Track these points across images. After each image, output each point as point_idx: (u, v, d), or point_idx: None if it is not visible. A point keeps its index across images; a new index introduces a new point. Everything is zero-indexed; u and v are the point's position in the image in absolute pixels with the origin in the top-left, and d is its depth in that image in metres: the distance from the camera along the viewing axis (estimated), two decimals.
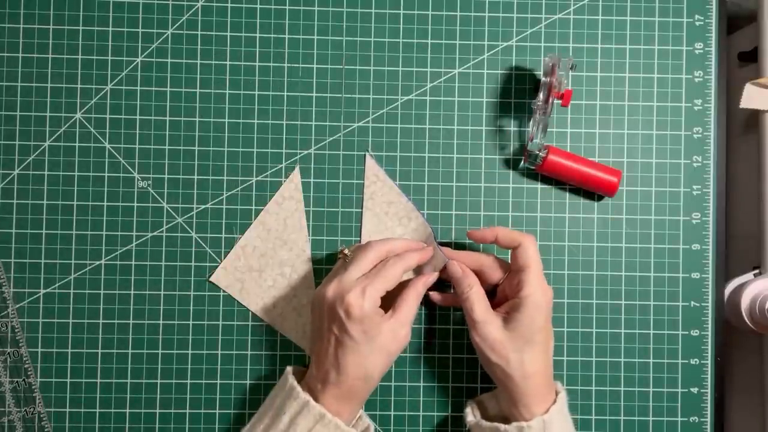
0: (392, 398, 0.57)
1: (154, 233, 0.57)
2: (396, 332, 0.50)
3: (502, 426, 0.50)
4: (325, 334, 0.50)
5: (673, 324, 0.57)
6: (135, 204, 0.57)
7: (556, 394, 0.52)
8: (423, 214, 0.57)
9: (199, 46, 0.57)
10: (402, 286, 0.52)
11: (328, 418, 0.48)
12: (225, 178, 0.57)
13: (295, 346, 0.57)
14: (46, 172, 0.56)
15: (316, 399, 0.49)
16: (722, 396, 0.57)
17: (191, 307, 0.57)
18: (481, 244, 0.57)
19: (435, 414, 0.57)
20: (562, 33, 0.58)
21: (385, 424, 0.57)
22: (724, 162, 0.58)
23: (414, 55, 0.58)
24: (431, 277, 0.53)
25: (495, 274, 0.53)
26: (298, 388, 0.49)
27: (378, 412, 0.57)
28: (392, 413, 0.57)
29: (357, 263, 0.50)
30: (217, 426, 0.57)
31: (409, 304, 0.51)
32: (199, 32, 0.57)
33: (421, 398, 0.57)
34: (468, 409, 0.54)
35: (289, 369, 0.52)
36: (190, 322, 0.57)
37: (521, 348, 0.50)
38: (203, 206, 0.57)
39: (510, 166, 0.58)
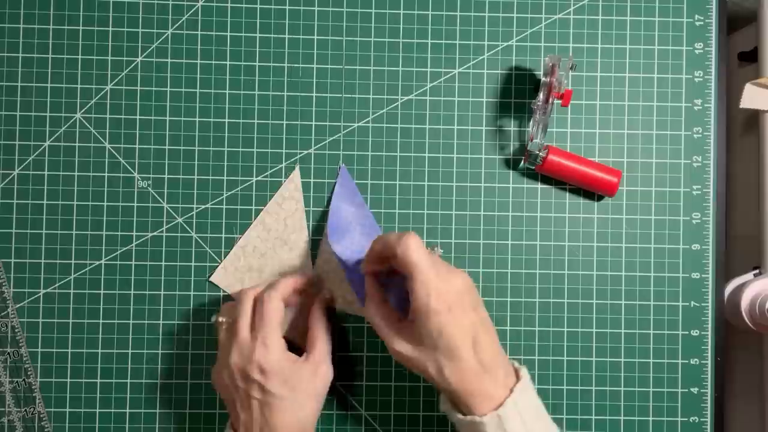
0: (392, 398, 0.57)
1: (154, 233, 0.57)
2: (316, 372, 0.50)
3: (477, 418, 0.46)
4: (245, 403, 0.49)
5: (673, 324, 0.57)
6: (135, 204, 0.57)
7: (517, 377, 0.48)
8: (379, 228, 0.57)
9: (199, 46, 0.57)
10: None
11: None
12: (225, 178, 0.57)
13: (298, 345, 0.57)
14: (46, 172, 0.56)
15: None
16: (722, 396, 0.57)
17: (191, 307, 0.57)
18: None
19: (435, 414, 0.57)
20: (562, 33, 0.58)
21: (385, 424, 0.57)
22: (724, 162, 0.58)
23: (414, 55, 0.58)
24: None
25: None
26: None
27: (378, 412, 0.57)
28: (392, 413, 0.57)
29: (237, 322, 0.50)
30: (217, 426, 0.57)
31: (320, 338, 0.51)
32: (199, 32, 0.57)
33: (421, 398, 0.57)
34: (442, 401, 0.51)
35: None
36: (190, 322, 0.57)
37: (435, 358, 0.46)
38: (203, 206, 0.57)
39: (510, 166, 0.58)
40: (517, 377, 0.48)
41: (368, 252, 0.50)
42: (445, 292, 0.45)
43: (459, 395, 0.46)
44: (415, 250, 0.46)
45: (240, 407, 0.49)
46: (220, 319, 0.52)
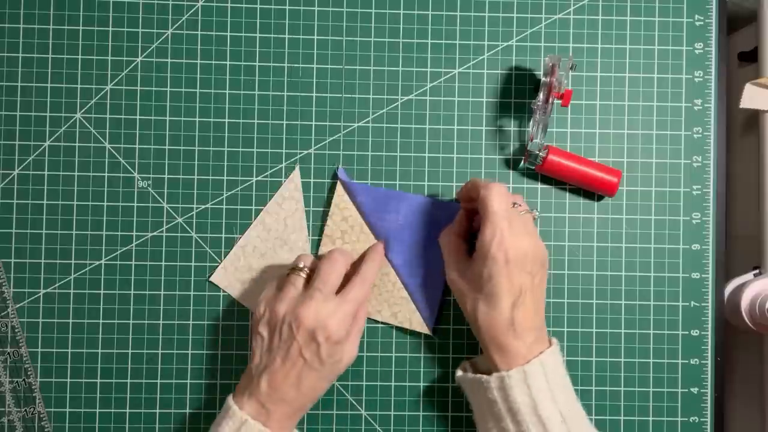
0: (392, 398, 0.57)
1: (154, 233, 0.57)
2: (351, 356, 0.51)
3: (483, 377, 0.49)
4: (289, 356, 0.49)
5: (673, 324, 0.57)
6: (135, 204, 0.57)
7: (551, 344, 0.50)
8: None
9: (199, 46, 0.57)
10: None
11: None
12: (225, 178, 0.57)
13: None
14: (46, 172, 0.56)
15: (267, 415, 0.49)
16: (722, 396, 0.57)
17: (191, 307, 0.57)
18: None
19: (435, 414, 0.57)
20: (562, 33, 0.58)
21: (385, 424, 0.57)
22: (724, 162, 0.58)
23: (414, 55, 0.58)
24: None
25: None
26: (234, 407, 0.49)
27: (378, 412, 0.57)
28: (392, 413, 0.57)
29: (326, 285, 0.51)
30: None
31: (360, 325, 0.53)
32: (199, 32, 0.57)
33: (421, 398, 0.57)
34: (459, 366, 0.54)
35: (229, 396, 0.51)
36: (190, 322, 0.57)
37: (475, 297, 0.50)
38: (203, 206, 0.57)
39: (510, 166, 0.58)
40: (550, 344, 0.50)
41: (461, 188, 0.54)
42: (510, 245, 0.48)
43: (486, 344, 0.49)
44: (495, 197, 0.49)
45: (279, 356, 0.49)
46: (302, 264, 0.52)
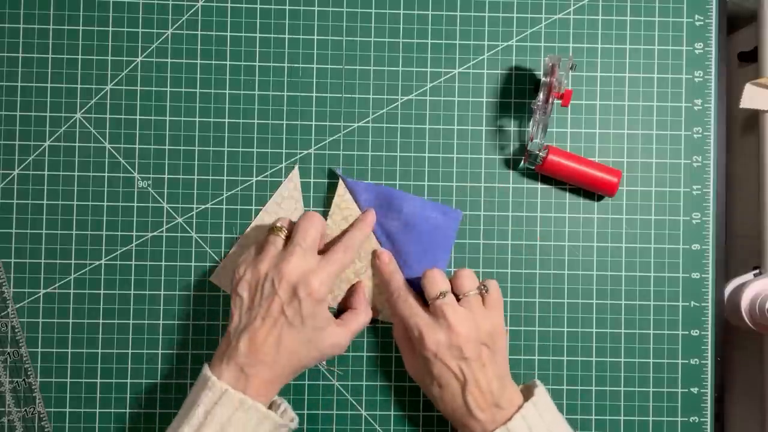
0: (392, 398, 0.57)
1: (154, 233, 0.57)
2: (338, 338, 0.51)
3: None
4: (269, 313, 0.48)
5: (673, 324, 0.57)
6: (135, 204, 0.57)
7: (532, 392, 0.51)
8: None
9: (199, 46, 0.57)
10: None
11: (248, 403, 0.47)
12: (225, 178, 0.57)
13: None
14: (46, 172, 0.57)
15: (246, 381, 0.48)
16: (722, 396, 0.57)
17: (191, 307, 0.57)
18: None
19: (435, 414, 0.57)
20: (562, 33, 0.58)
21: (385, 424, 0.57)
22: (724, 162, 0.58)
23: (414, 55, 0.58)
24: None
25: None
26: (214, 378, 0.47)
27: (378, 412, 0.57)
28: (392, 413, 0.57)
29: (305, 241, 0.50)
30: None
31: (359, 320, 0.53)
32: (199, 32, 0.57)
33: (421, 398, 0.57)
34: None
35: (205, 363, 0.50)
36: (190, 322, 0.57)
37: (428, 385, 0.51)
38: (203, 206, 0.57)
39: (510, 166, 0.58)
40: (532, 393, 0.51)
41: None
42: (432, 342, 0.50)
43: (453, 424, 0.52)
44: (403, 304, 0.52)
45: (260, 314, 0.49)
46: (279, 224, 0.52)
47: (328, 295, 0.51)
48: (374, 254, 0.55)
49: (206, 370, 0.49)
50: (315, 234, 0.51)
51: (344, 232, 0.55)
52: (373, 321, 0.57)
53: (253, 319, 0.49)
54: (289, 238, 0.52)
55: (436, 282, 0.51)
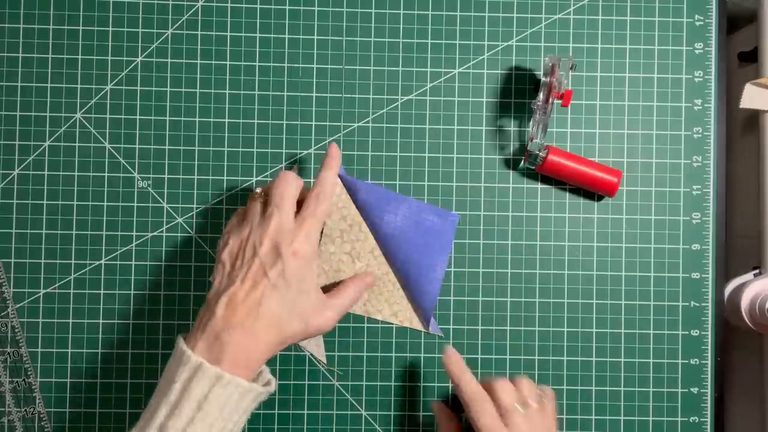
0: (392, 398, 0.57)
1: (154, 233, 0.57)
2: (323, 311, 0.48)
3: None
4: (255, 274, 0.46)
5: (673, 324, 0.57)
6: (135, 204, 0.57)
7: None
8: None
9: (199, 46, 0.57)
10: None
11: (226, 379, 0.44)
12: (225, 178, 0.57)
13: (295, 345, 0.57)
14: (46, 172, 0.56)
15: (220, 349, 0.44)
16: (722, 396, 0.57)
17: (191, 307, 0.57)
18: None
19: (435, 414, 0.57)
20: (562, 33, 0.58)
21: (385, 424, 0.57)
22: (724, 162, 0.58)
23: (414, 55, 0.58)
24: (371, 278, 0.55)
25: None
26: (188, 352, 0.44)
27: (378, 412, 0.57)
28: (392, 413, 0.57)
29: (283, 202, 0.48)
30: None
31: (348, 294, 0.51)
32: (199, 32, 0.57)
33: (421, 398, 0.57)
34: None
35: (180, 336, 0.47)
36: (190, 323, 0.57)
37: None
38: (203, 206, 0.57)
39: (510, 166, 0.58)
40: None
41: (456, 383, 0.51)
42: None
43: None
44: (481, 413, 0.48)
45: (239, 277, 0.47)
46: (258, 190, 0.51)
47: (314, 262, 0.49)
48: (442, 351, 0.53)
49: (181, 343, 0.46)
50: (292, 193, 0.49)
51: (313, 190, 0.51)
52: (374, 321, 0.57)
53: (232, 281, 0.47)
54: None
55: (508, 391, 0.49)
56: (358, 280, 0.53)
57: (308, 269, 0.48)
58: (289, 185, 0.50)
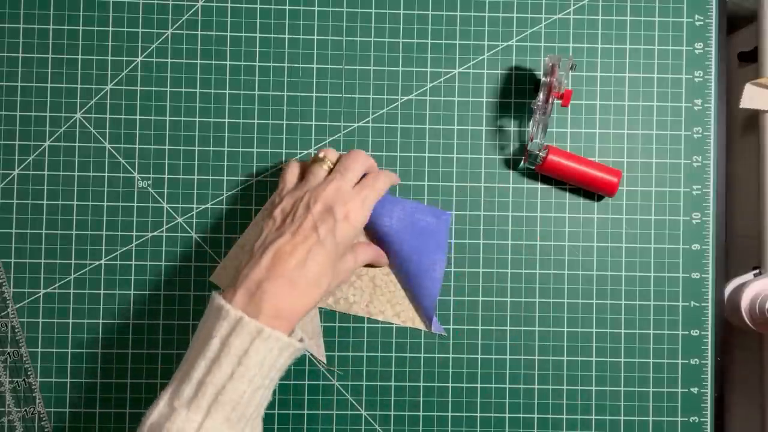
0: (392, 398, 0.57)
1: (154, 233, 0.57)
2: (350, 263, 0.50)
3: None
4: (305, 229, 0.46)
5: (673, 324, 0.57)
6: (135, 204, 0.57)
7: None
8: None
9: (199, 46, 0.57)
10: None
11: (266, 332, 0.43)
12: (225, 178, 0.57)
13: None
14: (46, 172, 0.56)
15: (260, 299, 0.44)
16: (722, 396, 0.57)
17: (191, 307, 0.57)
18: None
19: (435, 414, 0.57)
20: (562, 33, 0.58)
21: (385, 424, 0.57)
22: (724, 162, 0.58)
23: (414, 55, 0.58)
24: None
25: None
26: (227, 306, 0.44)
27: (378, 412, 0.57)
28: (392, 413, 0.57)
29: (348, 172, 0.49)
30: None
31: (367, 254, 0.53)
32: (199, 32, 0.57)
33: (421, 398, 0.57)
34: None
35: (215, 292, 0.46)
36: (190, 322, 0.57)
37: None
38: (203, 206, 0.57)
39: (510, 166, 0.58)
40: None
41: None
42: None
43: None
44: None
45: (290, 231, 0.46)
46: (321, 155, 0.51)
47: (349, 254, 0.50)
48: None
49: (218, 299, 0.44)
50: (359, 166, 0.50)
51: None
52: (374, 321, 0.56)
53: (281, 234, 0.46)
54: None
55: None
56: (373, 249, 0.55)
57: (353, 234, 0.48)
58: (359, 159, 0.51)
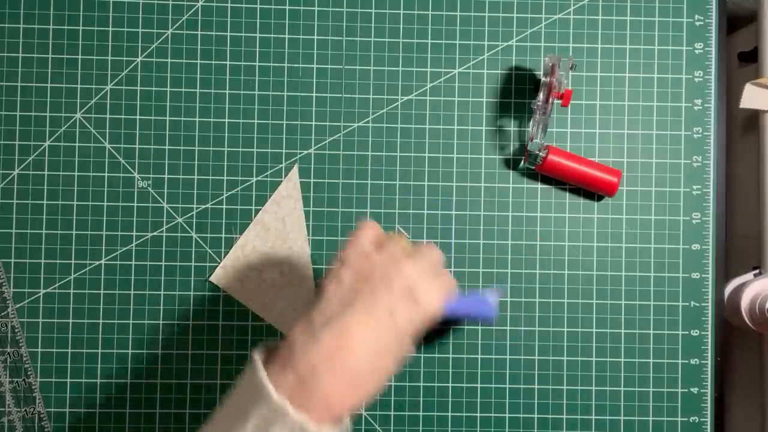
0: (392, 398, 0.57)
1: (154, 233, 0.57)
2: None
3: None
4: (379, 305, 0.39)
5: (673, 324, 0.57)
6: (135, 204, 0.57)
7: None
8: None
9: (199, 46, 0.57)
10: None
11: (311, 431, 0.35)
12: (225, 178, 0.57)
13: None
14: (46, 172, 0.57)
15: (313, 387, 0.36)
16: (722, 396, 0.57)
17: (191, 307, 0.57)
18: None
19: (435, 414, 0.57)
20: (562, 33, 0.58)
21: (385, 424, 0.57)
22: (724, 162, 0.58)
23: (414, 55, 0.58)
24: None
25: None
26: (269, 389, 0.36)
27: (378, 412, 0.57)
28: (392, 413, 0.57)
29: (426, 258, 0.43)
30: None
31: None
32: (199, 32, 0.57)
33: (421, 398, 0.57)
34: None
35: (258, 351, 0.39)
36: (190, 322, 0.57)
37: None
38: (203, 206, 0.57)
39: (510, 166, 0.58)
40: None
41: None
42: None
43: None
44: None
45: (361, 302, 0.39)
46: (404, 233, 0.48)
47: None
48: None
49: (260, 373, 0.37)
50: (435, 257, 0.44)
51: None
52: None
53: (349, 305, 0.39)
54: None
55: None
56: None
57: (424, 323, 0.41)
58: (435, 250, 0.44)
